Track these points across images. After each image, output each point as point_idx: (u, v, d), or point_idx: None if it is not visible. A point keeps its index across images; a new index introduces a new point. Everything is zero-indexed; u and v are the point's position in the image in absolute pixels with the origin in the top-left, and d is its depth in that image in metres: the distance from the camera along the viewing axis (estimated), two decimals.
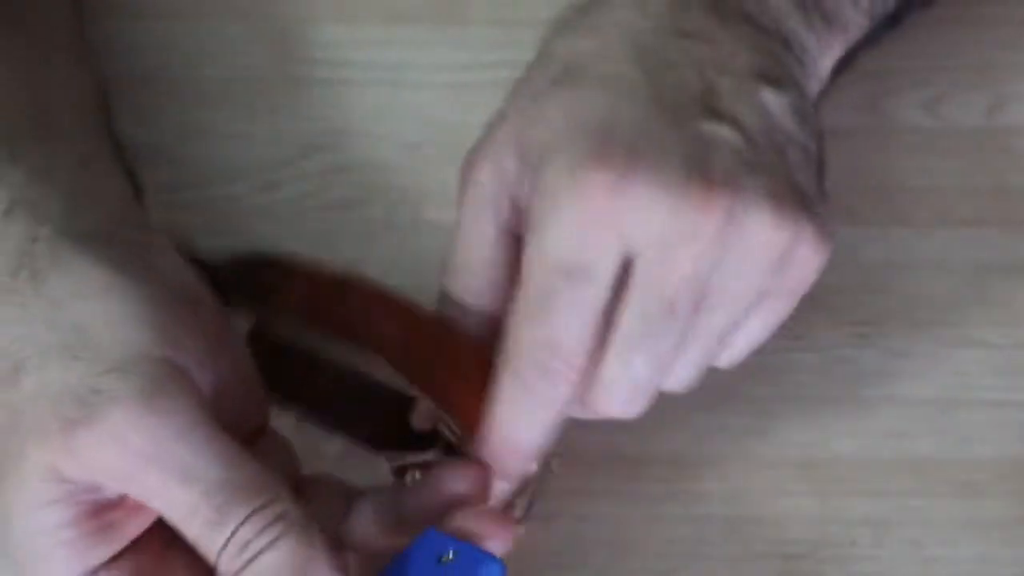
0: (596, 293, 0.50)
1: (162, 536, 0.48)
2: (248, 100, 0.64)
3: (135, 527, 0.47)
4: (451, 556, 0.50)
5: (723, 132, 0.50)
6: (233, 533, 0.45)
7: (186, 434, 0.46)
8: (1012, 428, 0.60)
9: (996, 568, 0.57)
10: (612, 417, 0.53)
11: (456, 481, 0.52)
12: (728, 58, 0.52)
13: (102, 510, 0.47)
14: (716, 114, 0.51)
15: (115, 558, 0.47)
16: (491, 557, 0.51)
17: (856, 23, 0.56)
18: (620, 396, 0.52)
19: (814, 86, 0.55)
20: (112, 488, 0.47)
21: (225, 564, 0.46)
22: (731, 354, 0.53)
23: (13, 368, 0.47)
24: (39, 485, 0.46)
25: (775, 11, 0.54)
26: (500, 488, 0.53)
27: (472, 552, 0.51)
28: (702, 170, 0.49)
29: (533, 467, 0.54)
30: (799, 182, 0.51)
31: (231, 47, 0.65)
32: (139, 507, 0.47)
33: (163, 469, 0.45)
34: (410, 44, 0.66)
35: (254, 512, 0.46)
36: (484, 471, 0.53)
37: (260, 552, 0.45)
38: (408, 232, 0.62)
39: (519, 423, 0.52)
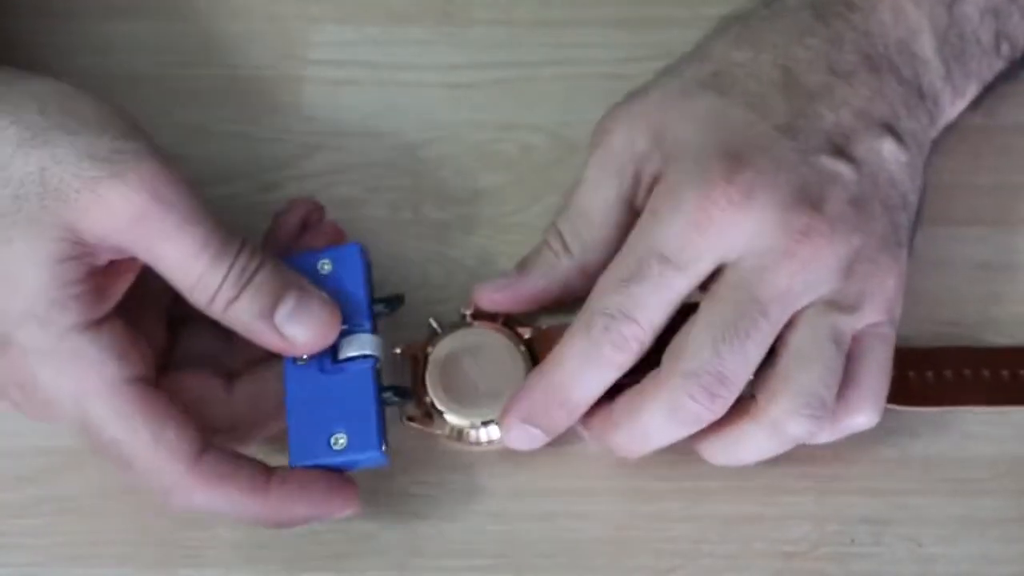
0: (682, 282, 0.54)
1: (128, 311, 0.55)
2: (248, 100, 0.65)
3: (118, 290, 0.54)
4: (327, 264, 0.57)
5: (840, 168, 0.56)
6: (235, 260, 0.53)
7: (192, 187, 0.53)
8: (1012, 428, 0.60)
9: (994, 566, 0.57)
10: (693, 421, 0.54)
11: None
12: (864, 103, 0.57)
13: (97, 273, 0.53)
14: (839, 152, 0.56)
15: (106, 317, 0.54)
16: (351, 245, 0.57)
17: (994, 68, 0.61)
18: (704, 385, 0.53)
19: (939, 127, 0.61)
20: (126, 239, 0.53)
21: (227, 288, 0.53)
22: None
23: (17, 144, 0.52)
24: (55, 244, 0.52)
25: (919, 64, 0.59)
26: (533, 435, 0.56)
27: (334, 251, 0.57)
28: (814, 199, 0.55)
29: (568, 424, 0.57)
30: (890, 223, 0.56)
31: (231, 47, 0.65)
32: (121, 272, 0.54)
33: (181, 212, 0.53)
34: (410, 44, 0.66)
35: (244, 243, 0.54)
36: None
37: (255, 272, 0.54)
38: (408, 231, 0.63)
39: (575, 372, 0.55)
